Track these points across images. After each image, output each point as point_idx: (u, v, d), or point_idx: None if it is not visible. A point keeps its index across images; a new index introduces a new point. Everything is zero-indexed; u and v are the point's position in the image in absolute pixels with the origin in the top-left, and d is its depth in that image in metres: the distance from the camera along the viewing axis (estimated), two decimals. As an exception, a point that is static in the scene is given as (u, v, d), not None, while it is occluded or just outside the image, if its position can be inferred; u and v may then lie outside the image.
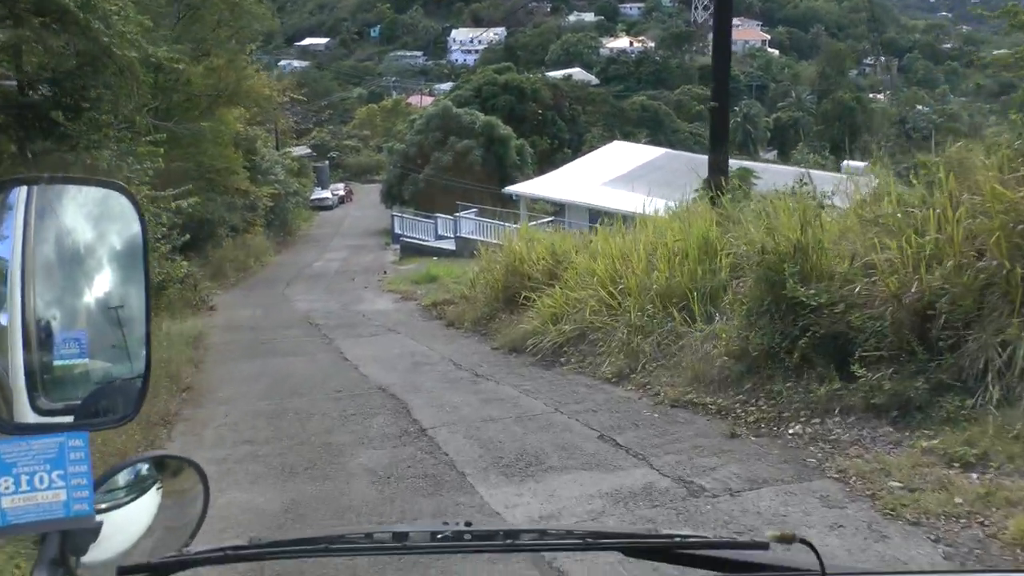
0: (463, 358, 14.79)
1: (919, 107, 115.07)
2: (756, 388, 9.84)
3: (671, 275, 12.57)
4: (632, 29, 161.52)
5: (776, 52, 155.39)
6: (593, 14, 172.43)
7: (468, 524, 1.83)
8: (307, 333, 19.94)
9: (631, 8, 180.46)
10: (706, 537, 1.90)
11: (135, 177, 20.39)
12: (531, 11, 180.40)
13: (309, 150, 75.42)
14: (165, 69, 33.12)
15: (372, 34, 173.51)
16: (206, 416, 11.34)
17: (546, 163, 58.57)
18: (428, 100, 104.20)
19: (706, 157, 42.48)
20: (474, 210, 44.95)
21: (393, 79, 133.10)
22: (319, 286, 32.38)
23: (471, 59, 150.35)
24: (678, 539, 1.86)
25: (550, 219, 42.21)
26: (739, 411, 9.48)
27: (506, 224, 41.21)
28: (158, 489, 2.09)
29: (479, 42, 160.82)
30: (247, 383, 13.67)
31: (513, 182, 53.05)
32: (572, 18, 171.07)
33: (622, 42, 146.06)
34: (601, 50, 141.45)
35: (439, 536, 1.78)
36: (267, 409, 11.47)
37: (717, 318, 11.51)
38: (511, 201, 50.75)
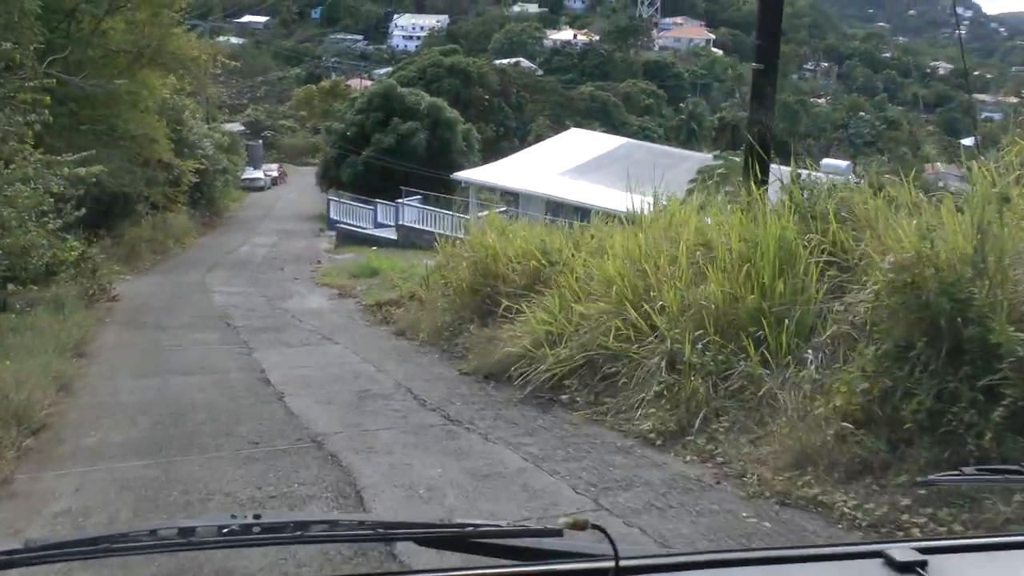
0: (425, 387, 10.95)
1: (861, 114, 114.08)
2: (914, 483, 6.12)
3: (732, 290, 8.80)
4: (576, 22, 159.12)
5: (720, 52, 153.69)
6: (537, 5, 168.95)
7: (257, 516, 1.76)
8: (223, 338, 15.89)
9: (575, 2, 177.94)
10: (499, 525, 1.90)
11: (14, 131, 16.24)
12: None
13: (242, 127, 70.71)
14: (78, 17, 28.91)
15: (313, 15, 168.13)
16: (45, 492, 7.22)
17: (491, 151, 54.85)
18: (368, 84, 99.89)
19: (666, 149, 38.83)
20: (417, 197, 40.98)
21: (334, 59, 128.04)
22: (243, 275, 28.21)
23: (412, 45, 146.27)
24: (470, 528, 1.86)
25: (503, 209, 38.43)
26: (906, 523, 5.75)
27: (454, 213, 37.44)
28: None
29: (421, 28, 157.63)
30: (128, 420, 9.56)
31: (458, 169, 49.13)
32: (516, 8, 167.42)
33: (566, 34, 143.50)
34: (545, 41, 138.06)
35: (226, 530, 1.71)
36: (143, 479, 7.41)
37: (810, 358, 7.76)
38: (458, 189, 46.95)
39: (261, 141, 73.86)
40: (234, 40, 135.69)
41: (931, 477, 3.84)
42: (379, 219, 41.00)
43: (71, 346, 13.91)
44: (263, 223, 46.56)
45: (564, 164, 37.94)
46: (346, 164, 48.97)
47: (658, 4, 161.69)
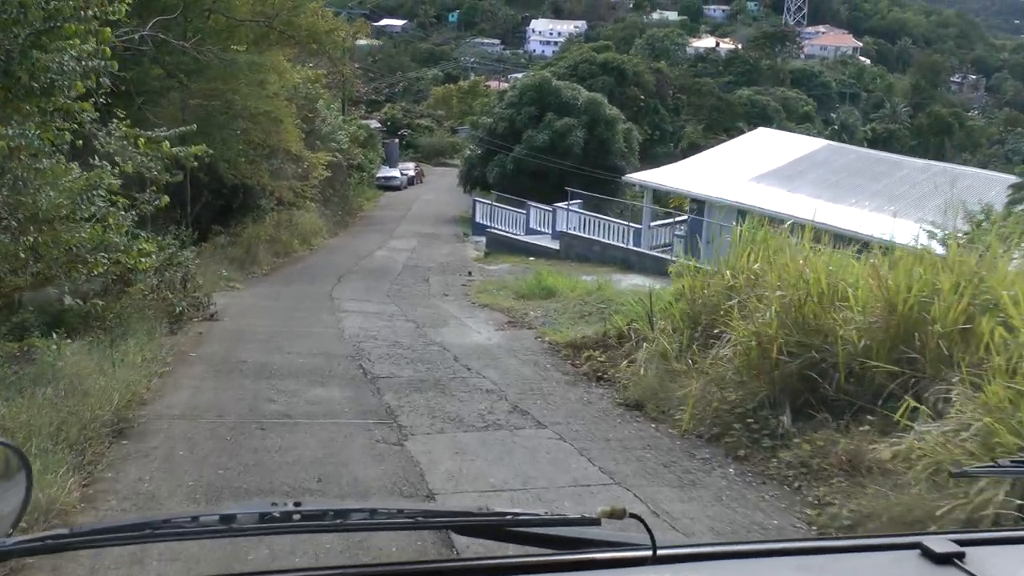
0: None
1: (1020, 129, 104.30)
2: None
3: None
4: (717, 30, 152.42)
5: (867, 61, 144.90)
6: (677, 13, 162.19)
7: (297, 504, 1.76)
8: (356, 401, 9.88)
9: (715, 10, 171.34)
10: (537, 514, 1.90)
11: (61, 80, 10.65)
12: (613, 6, 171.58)
13: (379, 124, 65.62)
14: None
15: (451, 19, 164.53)
16: None
17: (645, 157, 48.44)
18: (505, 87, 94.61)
19: (875, 154, 31.56)
20: (577, 201, 34.79)
21: (472, 60, 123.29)
22: (381, 287, 22.33)
23: (549, 50, 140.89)
24: (509, 516, 1.85)
25: (682, 218, 32.01)
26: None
27: (626, 222, 31.26)
28: None
29: (558, 34, 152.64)
30: None
31: (618, 171, 42.88)
32: (655, 15, 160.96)
33: (708, 42, 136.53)
34: (687, 48, 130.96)
35: (267, 517, 1.72)
36: None
37: None
38: (619, 192, 40.75)
39: (397, 140, 68.64)
40: (373, 43, 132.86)
41: (966, 468, 4.03)
42: (531, 224, 34.96)
43: (106, 416, 8.05)
44: (400, 225, 40.83)
45: (755, 168, 31.32)
46: (493, 163, 43.08)
47: (804, 11, 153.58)
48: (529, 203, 35.47)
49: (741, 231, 12.28)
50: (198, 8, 22.89)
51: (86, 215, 11.27)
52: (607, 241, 29.11)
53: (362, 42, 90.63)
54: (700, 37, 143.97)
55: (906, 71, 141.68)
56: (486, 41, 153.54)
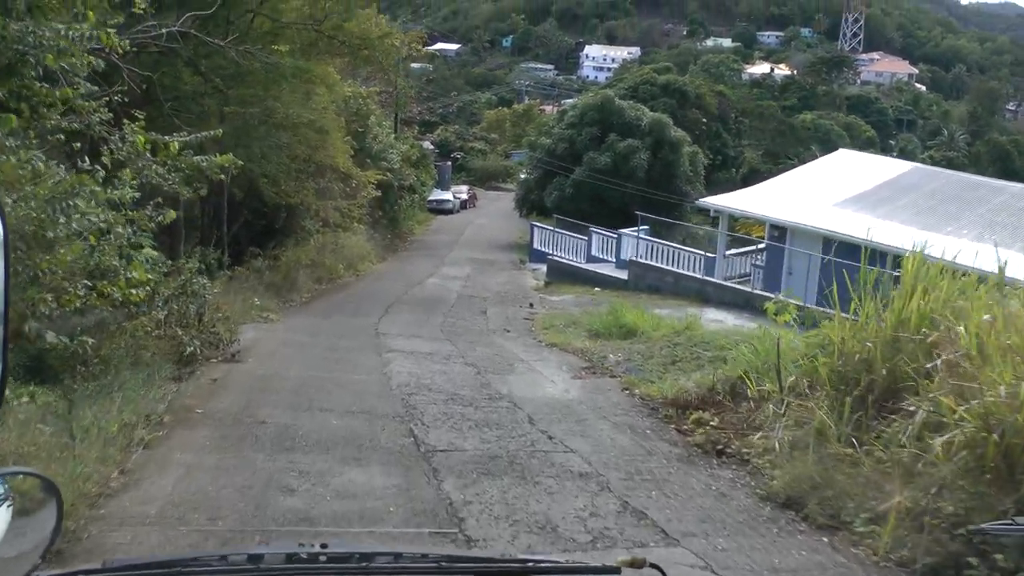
0: None
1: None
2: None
3: None
4: (771, 56, 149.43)
5: (923, 88, 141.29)
6: (731, 40, 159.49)
7: (324, 546, 1.80)
8: (405, 491, 7.12)
9: (768, 36, 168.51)
10: (559, 562, 1.95)
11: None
12: (667, 33, 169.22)
13: (431, 146, 63.17)
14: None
15: (504, 43, 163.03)
16: None
17: (708, 182, 45.50)
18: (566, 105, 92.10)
19: (968, 178, 28.43)
20: (644, 228, 31.96)
21: (526, 83, 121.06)
22: (433, 321, 19.59)
23: (603, 76, 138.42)
24: (531, 564, 1.94)
25: (759, 246, 29.09)
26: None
27: (698, 251, 28.45)
28: (8, 507, 1.95)
29: (612, 60, 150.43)
30: None
31: (683, 195, 40.01)
32: (709, 42, 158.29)
33: (762, 68, 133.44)
34: (742, 75, 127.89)
35: (294, 558, 1.74)
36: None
37: None
38: (679, 218, 37.97)
39: (450, 162, 66.17)
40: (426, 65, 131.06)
41: (984, 526, 3.84)
42: (593, 251, 32.12)
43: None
44: (453, 250, 38.10)
45: (838, 193, 28.30)
46: (551, 186, 40.33)
47: (860, 36, 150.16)
48: (592, 228, 32.64)
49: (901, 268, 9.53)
50: (239, 7, 20.41)
51: (69, 231, 8.69)
52: (680, 271, 26.20)
53: (416, 65, 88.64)
54: (754, 63, 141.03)
55: (961, 98, 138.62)
56: (539, 66, 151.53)
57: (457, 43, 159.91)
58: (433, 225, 48.77)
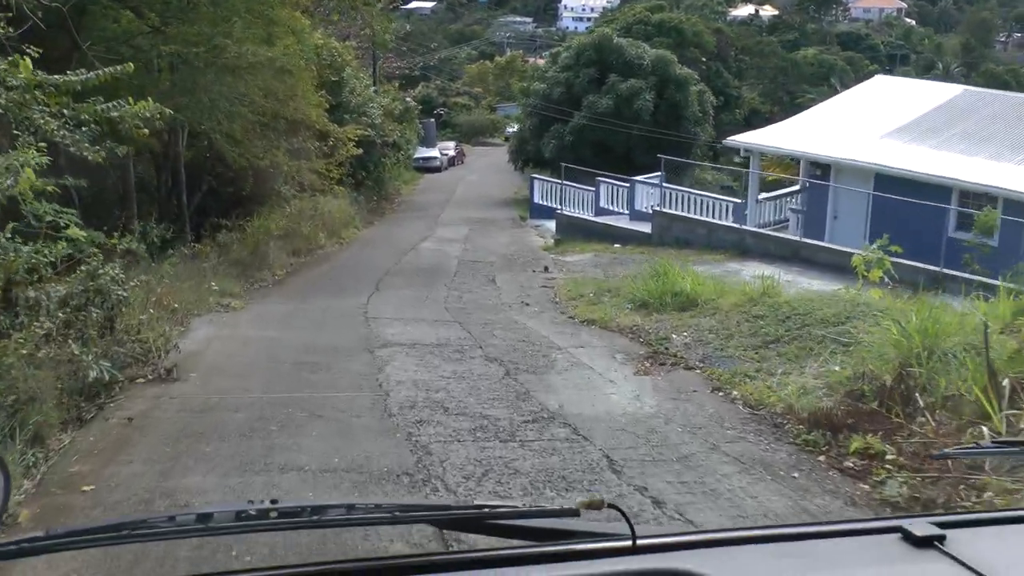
0: None
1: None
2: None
3: None
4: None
5: (912, 22, 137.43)
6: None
7: (274, 502, 1.69)
8: None
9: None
10: (516, 506, 1.83)
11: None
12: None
13: (413, 103, 59.05)
14: None
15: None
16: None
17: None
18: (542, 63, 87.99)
19: None
20: (657, 174, 28.26)
21: (508, 36, 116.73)
22: (435, 296, 15.83)
23: (583, 26, 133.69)
24: (487, 509, 1.83)
25: (793, 189, 25.48)
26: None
27: (727, 199, 24.89)
28: None
29: (591, 9, 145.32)
30: None
31: (693, 137, 36.22)
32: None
33: (746, 9, 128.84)
34: (727, 17, 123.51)
35: (243, 515, 1.65)
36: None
37: None
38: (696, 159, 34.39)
39: (434, 119, 62.02)
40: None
41: (947, 450, 4.01)
42: (601, 203, 28.37)
43: None
44: (446, 210, 34.17)
45: (883, 123, 24.57)
46: (549, 135, 36.33)
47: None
48: (599, 178, 28.82)
49: None
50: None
51: None
52: (715, 221, 22.50)
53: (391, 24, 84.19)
54: (737, 6, 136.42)
55: (950, 31, 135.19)
56: (517, 19, 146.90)
57: (432, 1, 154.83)
58: (421, 184, 44.82)
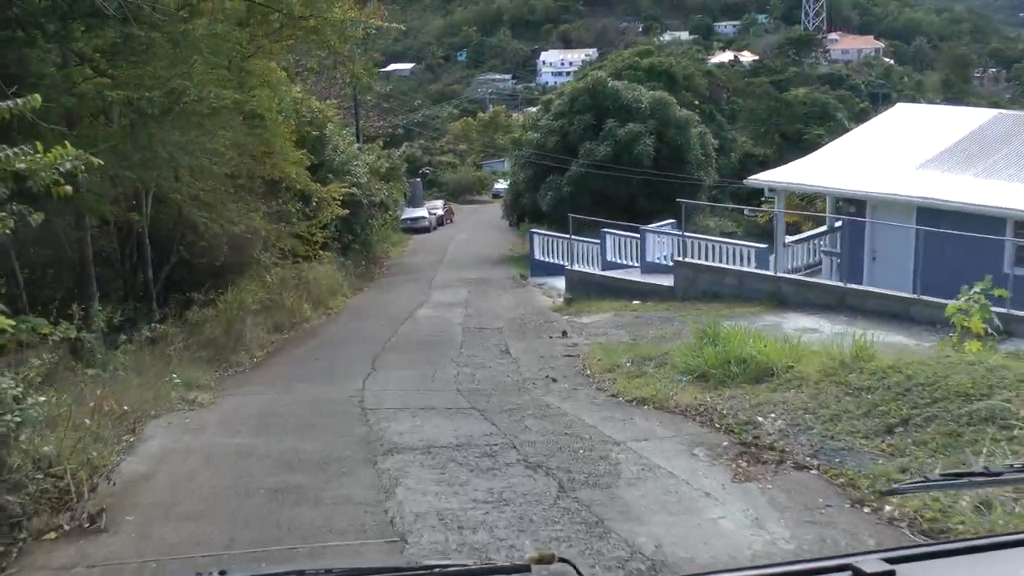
0: None
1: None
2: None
3: None
4: (730, 45, 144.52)
5: (891, 61, 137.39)
6: (688, 32, 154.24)
7: (223, 573, 1.65)
8: None
9: (725, 27, 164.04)
10: (466, 564, 1.83)
11: None
12: (622, 31, 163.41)
13: (399, 160, 56.90)
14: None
15: (459, 57, 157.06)
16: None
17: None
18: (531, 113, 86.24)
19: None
20: (669, 222, 25.93)
21: (490, 92, 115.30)
22: (441, 374, 13.22)
23: (562, 80, 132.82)
24: (438, 569, 1.78)
25: (820, 230, 23.14)
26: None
27: (750, 244, 22.53)
28: None
29: (569, 64, 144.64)
30: None
31: (699, 181, 34.01)
32: (666, 37, 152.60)
33: (724, 56, 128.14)
34: (707, 65, 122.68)
35: None
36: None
37: None
38: (692, 209, 32.09)
39: (420, 178, 59.78)
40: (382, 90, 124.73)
41: (896, 486, 3.81)
42: (608, 256, 25.94)
43: None
44: (439, 272, 31.72)
45: (917, 153, 22.28)
46: (545, 186, 34.07)
47: (824, 16, 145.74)
48: (605, 229, 26.40)
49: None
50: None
51: None
52: (745, 269, 20.05)
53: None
54: (714, 54, 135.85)
55: (925, 70, 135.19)
56: (497, 77, 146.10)
57: (411, 62, 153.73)
58: (410, 245, 42.41)
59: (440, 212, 53.07)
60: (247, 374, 14.26)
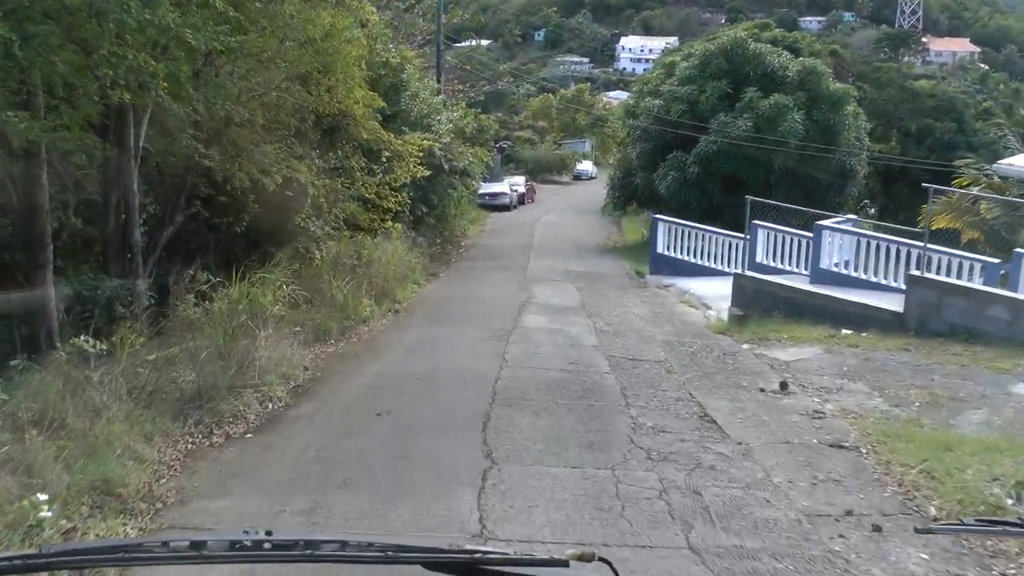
0: None
1: None
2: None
3: None
4: (817, 41, 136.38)
5: (986, 66, 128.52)
6: (774, 25, 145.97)
7: (269, 533, 1.66)
8: None
9: (811, 22, 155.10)
10: (506, 554, 1.79)
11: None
12: (704, 22, 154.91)
13: (490, 121, 50.35)
14: None
15: (536, 38, 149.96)
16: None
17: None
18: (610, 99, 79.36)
19: None
20: (851, 218, 19.00)
21: (572, 67, 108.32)
22: (627, 478, 6.54)
23: (641, 68, 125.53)
24: (479, 555, 1.75)
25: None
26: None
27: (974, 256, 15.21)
28: None
29: (650, 51, 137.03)
30: None
31: (849, 173, 26.97)
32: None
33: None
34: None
35: (238, 545, 1.62)
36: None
37: None
38: (845, 204, 25.27)
39: (498, 152, 53.05)
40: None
41: (931, 525, 3.81)
42: (759, 258, 19.10)
43: None
44: (531, 259, 24.82)
45: None
46: (666, 165, 27.16)
47: (920, 14, 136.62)
48: (755, 223, 19.35)
49: None
50: None
51: None
52: (1014, 295, 12.98)
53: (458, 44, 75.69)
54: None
55: (1015, 78, 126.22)
56: (575, 59, 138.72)
57: (487, 39, 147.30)
58: (488, 224, 35.63)
59: (522, 189, 46.33)
60: (240, 453, 7.35)
